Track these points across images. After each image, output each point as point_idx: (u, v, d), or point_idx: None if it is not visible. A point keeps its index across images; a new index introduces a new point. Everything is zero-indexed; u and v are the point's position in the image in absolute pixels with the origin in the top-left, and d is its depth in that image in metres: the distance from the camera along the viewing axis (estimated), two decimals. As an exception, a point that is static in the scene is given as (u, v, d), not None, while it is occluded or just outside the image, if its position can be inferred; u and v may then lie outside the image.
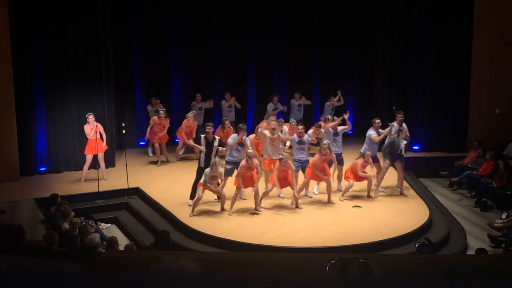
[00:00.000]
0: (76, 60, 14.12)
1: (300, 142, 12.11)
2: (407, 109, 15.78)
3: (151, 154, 15.46)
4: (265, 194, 11.75)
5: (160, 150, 14.93)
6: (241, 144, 11.99)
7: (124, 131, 14.14)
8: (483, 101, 15.51)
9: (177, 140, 15.60)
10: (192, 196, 11.90)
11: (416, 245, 9.67)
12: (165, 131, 14.78)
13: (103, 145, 13.45)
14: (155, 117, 14.80)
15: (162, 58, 16.74)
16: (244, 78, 17.32)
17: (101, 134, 13.39)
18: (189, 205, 11.77)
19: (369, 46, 16.77)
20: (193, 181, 11.92)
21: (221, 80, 17.13)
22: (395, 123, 12.59)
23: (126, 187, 12.95)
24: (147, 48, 16.49)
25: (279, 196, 12.10)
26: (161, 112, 14.80)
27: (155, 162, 14.96)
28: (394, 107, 14.60)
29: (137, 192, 13.01)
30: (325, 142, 11.90)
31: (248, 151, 11.49)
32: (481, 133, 15.22)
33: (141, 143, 16.64)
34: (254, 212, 11.49)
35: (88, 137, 13.27)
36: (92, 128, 13.19)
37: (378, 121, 12.85)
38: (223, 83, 17.07)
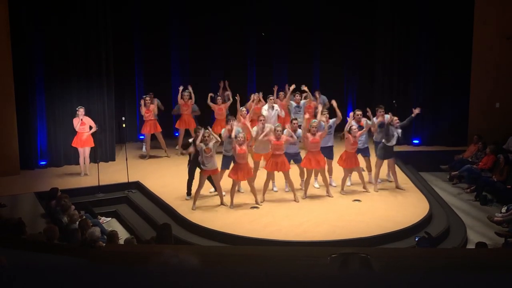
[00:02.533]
0: (76, 53, 14.11)
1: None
2: (408, 102, 15.79)
3: (145, 150, 15.29)
4: (265, 186, 11.76)
5: (158, 141, 14.87)
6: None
7: (124, 125, 14.12)
8: (484, 95, 15.50)
9: (177, 134, 15.57)
10: (188, 193, 11.93)
11: (416, 239, 9.68)
12: (152, 116, 14.50)
13: (86, 135, 13.27)
14: (143, 106, 14.55)
15: (162, 50, 16.74)
16: (245, 63, 17.34)
17: (91, 128, 13.35)
18: (186, 199, 11.81)
19: (370, 40, 16.70)
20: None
21: (222, 68, 17.12)
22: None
23: (126, 181, 12.96)
24: (146, 39, 16.47)
25: (273, 189, 12.19)
26: (147, 98, 14.50)
27: (153, 156, 14.93)
28: (394, 101, 14.64)
29: (137, 186, 13.02)
30: (314, 120, 11.91)
31: (237, 135, 11.25)
32: (481, 127, 15.22)
33: (141, 137, 16.64)
34: (254, 206, 11.50)
35: (75, 129, 13.25)
36: (78, 121, 13.14)
37: (358, 112, 12.58)
38: (224, 72, 17.08)
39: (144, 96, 14.79)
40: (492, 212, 12.21)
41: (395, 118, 12.42)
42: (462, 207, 12.83)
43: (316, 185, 12.50)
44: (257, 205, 11.50)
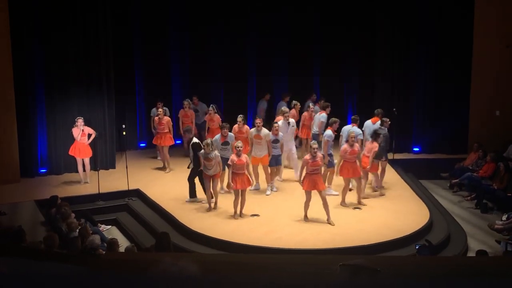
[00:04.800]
0: (77, 61, 14.11)
1: (275, 141, 12.48)
2: (408, 111, 15.82)
3: (159, 158, 15.05)
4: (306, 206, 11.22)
5: (162, 154, 14.64)
6: (225, 142, 12.20)
7: (124, 133, 14.09)
8: (484, 103, 15.51)
9: (178, 142, 15.54)
10: (191, 194, 12.16)
11: (417, 247, 9.65)
12: (167, 130, 14.29)
13: (87, 144, 13.28)
14: (156, 118, 14.46)
15: (162, 57, 16.70)
16: (245, 75, 17.34)
17: (89, 135, 13.33)
18: (186, 202, 12.10)
19: (370, 50, 16.66)
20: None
21: (222, 79, 17.15)
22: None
23: (126, 188, 12.95)
24: (147, 47, 16.43)
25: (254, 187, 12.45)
26: (160, 111, 14.38)
27: (162, 168, 14.71)
28: (394, 109, 14.68)
29: (138, 193, 13.01)
30: (352, 130, 12.06)
31: (236, 144, 11.43)
32: (481, 135, 15.22)
33: (141, 144, 16.63)
34: (255, 214, 11.48)
35: (76, 139, 13.23)
36: (79, 132, 13.13)
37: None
38: (223, 83, 17.12)
39: (160, 107, 14.60)
40: (492, 220, 12.20)
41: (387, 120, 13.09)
42: (463, 215, 12.81)
43: (334, 192, 12.40)
44: (256, 214, 11.49)
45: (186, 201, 12.20)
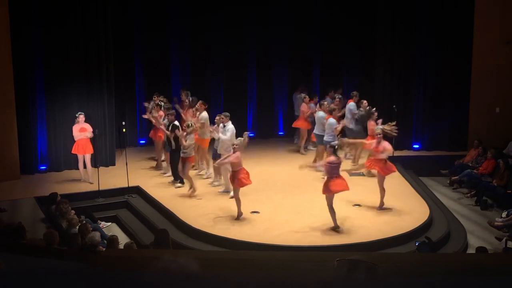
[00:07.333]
0: (76, 57, 14.10)
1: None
2: (408, 108, 15.81)
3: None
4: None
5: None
6: None
7: (124, 130, 14.06)
8: (484, 100, 15.50)
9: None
10: (175, 177, 12.95)
11: (417, 244, 9.67)
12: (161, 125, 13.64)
13: (85, 139, 13.21)
14: (161, 112, 13.79)
15: (162, 53, 16.66)
16: (245, 65, 17.38)
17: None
18: (174, 186, 12.93)
19: (371, 45, 16.66)
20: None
21: (222, 68, 17.17)
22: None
23: (126, 185, 12.94)
24: (146, 42, 16.41)
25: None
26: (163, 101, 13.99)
27: (152, 161, 14.82)
28: (394, 106, 14.68)
29: (138, 190, 13.01)
30: (378, 128, 12.11)
31: (234, 142, 11.41)
32: (481, 132, 15.22)
33: (141, 141, 16.62)
34: (254, 210, 11.48)
35: (75, 138, 13.17)
36: (78, 128, 13.07)
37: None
38: (224, 72, 17.16)
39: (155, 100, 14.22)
40: (492, 217, 12.21)
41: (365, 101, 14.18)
42: (463, 212, 12.82)
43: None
44: (256, 211, 11.50)
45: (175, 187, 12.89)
